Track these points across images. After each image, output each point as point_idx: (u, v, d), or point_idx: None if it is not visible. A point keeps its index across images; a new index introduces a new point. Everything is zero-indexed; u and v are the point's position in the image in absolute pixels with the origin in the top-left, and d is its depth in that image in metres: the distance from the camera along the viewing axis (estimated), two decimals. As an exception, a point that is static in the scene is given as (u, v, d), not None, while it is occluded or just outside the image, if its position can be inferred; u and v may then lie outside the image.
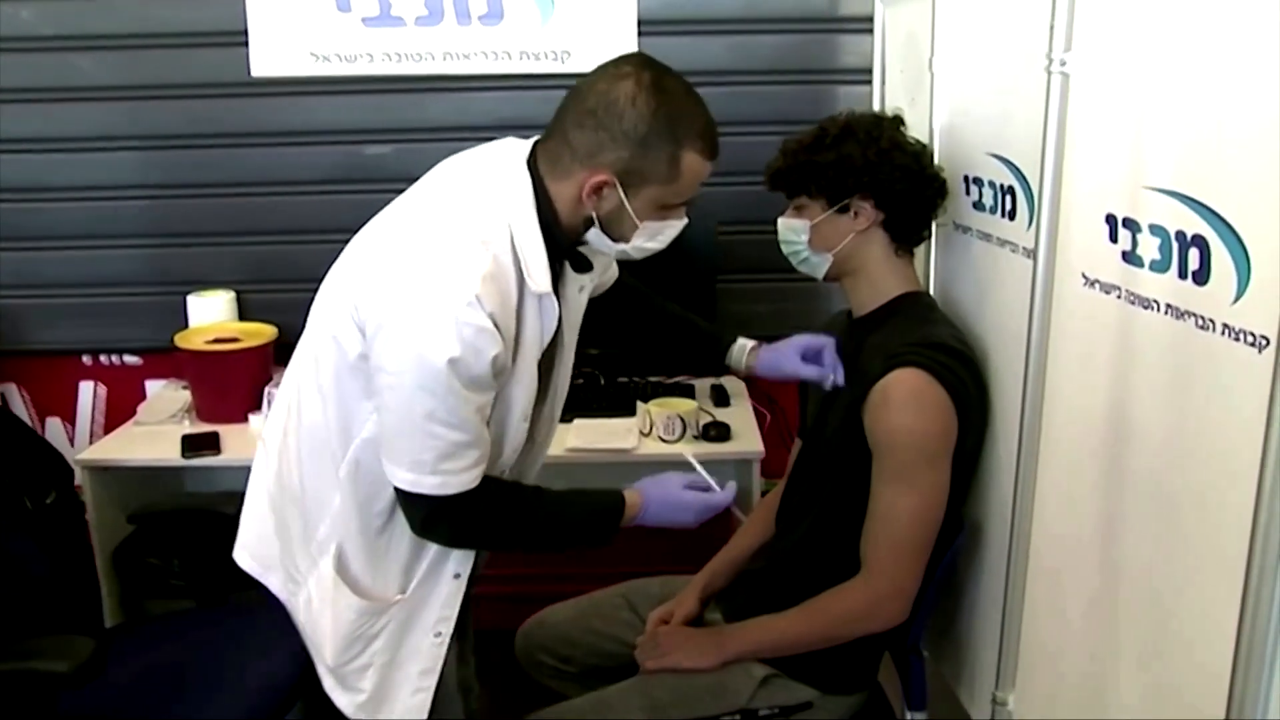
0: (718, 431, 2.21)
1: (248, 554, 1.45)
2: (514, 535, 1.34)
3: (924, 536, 1.50)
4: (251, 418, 2.19)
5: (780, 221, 1.62)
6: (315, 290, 1.37)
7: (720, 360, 1.62)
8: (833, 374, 1.56)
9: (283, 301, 2.42)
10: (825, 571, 1.57)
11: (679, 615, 1.70)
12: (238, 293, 2.44)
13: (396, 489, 1.27)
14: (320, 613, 1.37)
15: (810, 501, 1.65)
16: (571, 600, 1.80)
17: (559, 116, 1.28)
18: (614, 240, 1.30)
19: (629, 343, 1.65)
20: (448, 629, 1.39)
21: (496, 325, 1.19)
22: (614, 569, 1.98)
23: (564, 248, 1.32)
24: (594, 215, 1.28)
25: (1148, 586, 1.14)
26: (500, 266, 1.21)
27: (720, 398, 2.44)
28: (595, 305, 1.47)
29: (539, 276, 1.25)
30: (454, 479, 1.25)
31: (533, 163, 1.28)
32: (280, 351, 2.28)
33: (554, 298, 1.28)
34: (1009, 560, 1.31)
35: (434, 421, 1.20)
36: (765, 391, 2.51)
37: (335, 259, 1.35)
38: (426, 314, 1.16)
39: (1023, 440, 1.27)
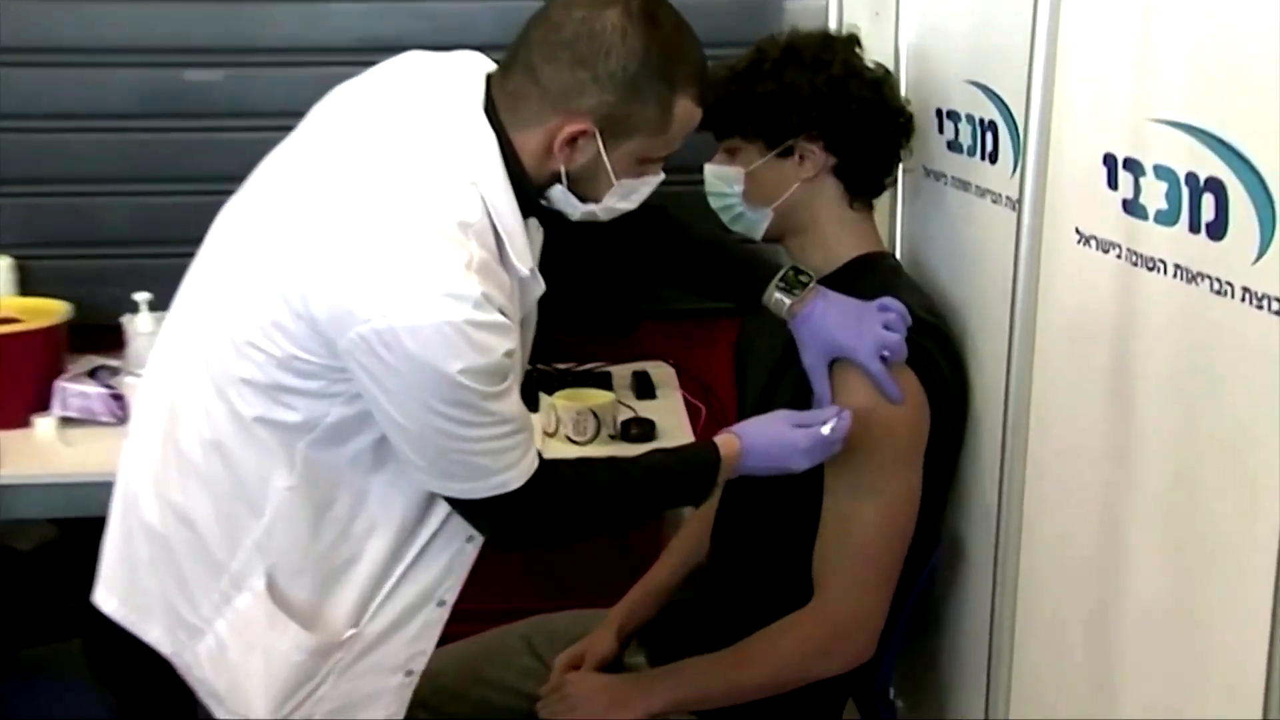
0: (640, 430, 2.22)
1: (116, 598, 1.42)
2: (597, 515, 1.41)
3: (892, 554, 1.53)
4: (38, 420, 2.09)
5: (708, 169, 1.64)
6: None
7: (754, 299, 1.58)
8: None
9: (79, 270, 2.32)
10: (772, 600, 1.58)
11: (592, 659, 1.71)
12: (17, 259, 2.34)
13: (452, 500, 1.33)
14: (244, 659, 1.36)
15: (752, 514, 1.66)
16: (456, 644, 1.78)
17: (522, 48, 1.29)
18: (581, 200, 1.34)
19: (624, 276, 1.66)
20: (421, 665, 1.43)
21: (507, 316, 1.23)
22: (508, 603, 1.98)
23: (532, 211, 1.34)
24: (562, 170, 1.31)
25: (1162, 609, 1.16)
26: (486, 248, 1.24)
27: (643, 387, 2.45)
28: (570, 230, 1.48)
29: (522, 254, 1.28)
30: (515, 471, 1.30)
31: (489, 106, 1.30)
32: (78, 335, 2.20)
33: (539, 277, 1.32)
34: (995, 580, 1.33)
35: (472, 428, 1.24)
36: (699, 378, 2.53)
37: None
38: (429, 324, 1.17)
39: (1008, 432, 1.29)
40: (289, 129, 1.37)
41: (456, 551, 1.41)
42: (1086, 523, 1.30)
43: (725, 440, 1.45)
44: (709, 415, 2.53)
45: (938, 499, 1.63)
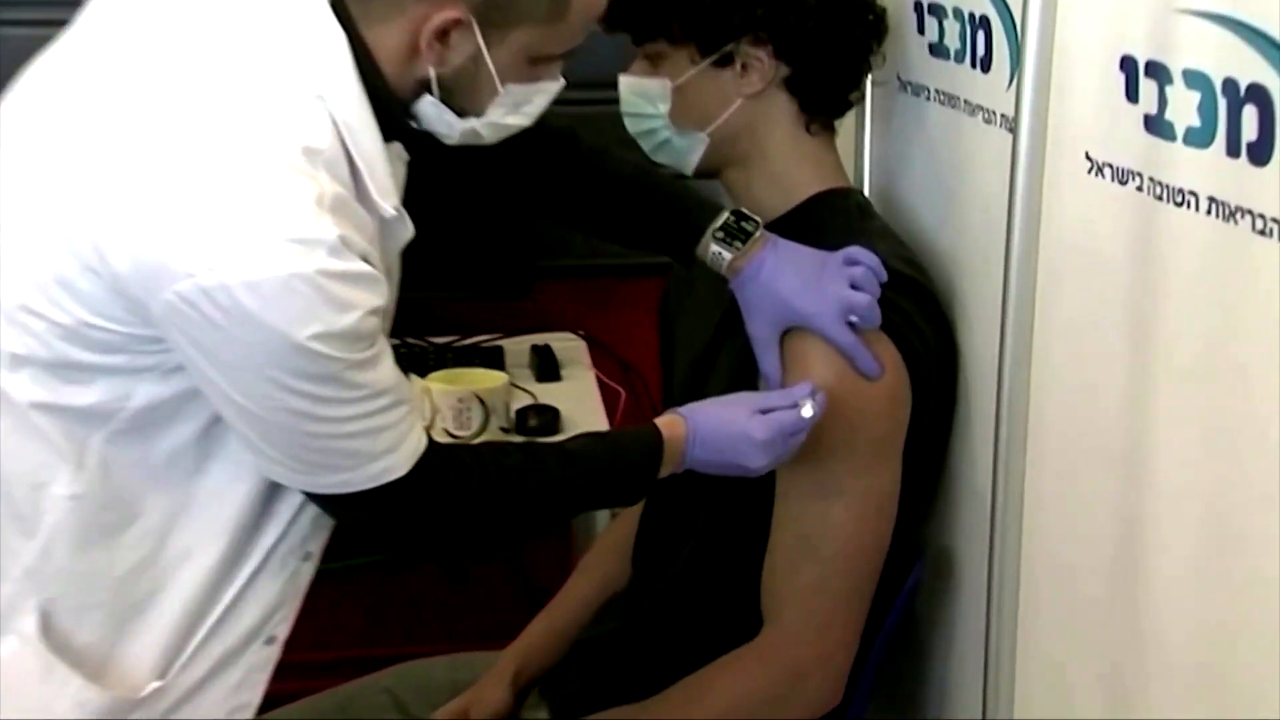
0: (540, 420, 2.23)
1: None
2: (506, 511, 1.44)
3: (862, 571, 1.55)
4: None
5: (623, 82, 1.63)
6: None
7: (685, 252, 1.59)
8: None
9: None
10: (711, 633, 1.60)
11: (479, 713, 1.71)
12: None
13: (317, 497, 1.33)
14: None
15: (685, 523, 1.68)
16: (301, 702, 1.80)
17: None
18: (459, 114, 1.34)
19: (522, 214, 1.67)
20: (252, 713, 1.42)
21: (371, 264, 1.23)
22: (370, 648, 1.98)
23: (396, 133, 1.35)
24: (432, 76, 1.31)
25: (1195, 638, 1.18)
26: (339, 180, 1.24)
27: (545, 366, 2.46)
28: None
29: (384, 187, 1.28)
30: (398, 454, 1.31)
31: None
32: None
33: (406, 218, 1.32)
34: (990, 602, 1.34)
35: (337, 406, 1.25)
36: (616, 354, 2.54)
37: None
38: (272, 278, 1.17)
39: (1003, 414, 1.30)
40: (61, 23, 1.33)
41: (293, 573, 1.41)
42: (1099, 525, 1.32)
43: (669, 423, 1.47)
44: (630, 401, 2.57)
45: (920, 500, 1.66)
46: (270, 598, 1.41)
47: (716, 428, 1.47)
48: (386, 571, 2.60)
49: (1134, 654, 1.27)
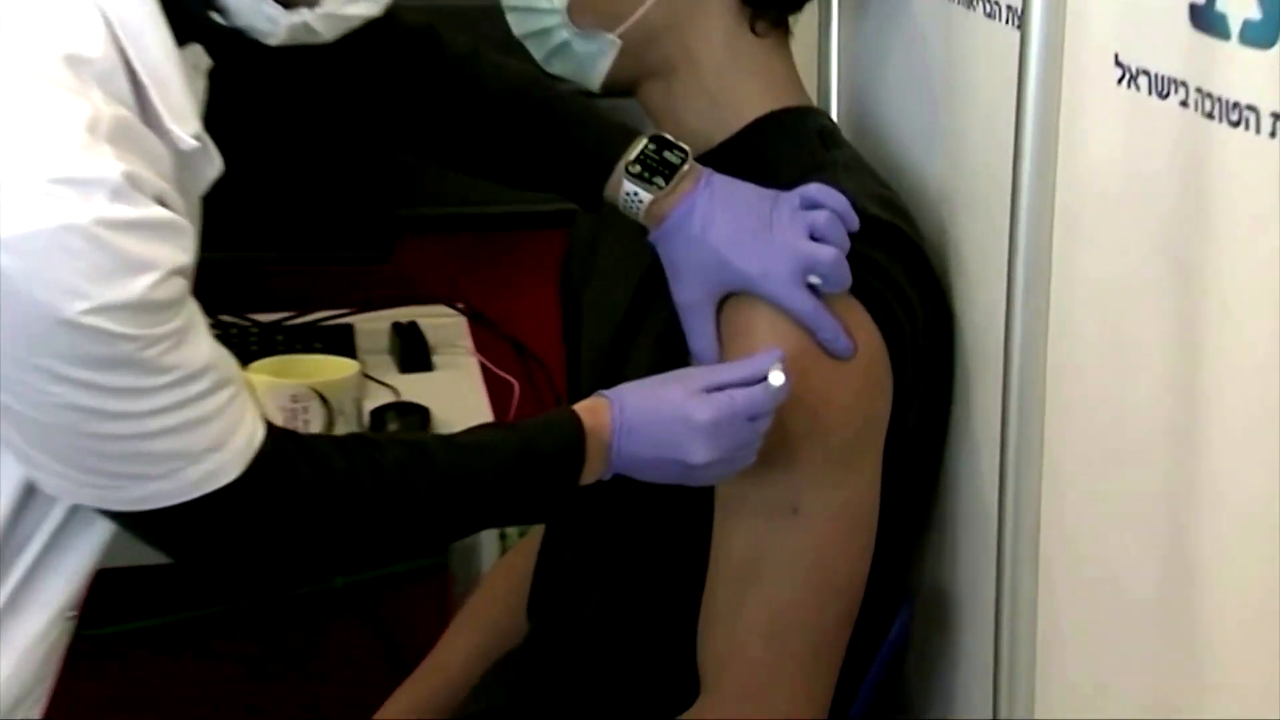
0: (405, 423, 2.23)
1: None
2: (377, 526, 1.44)
3: (828, 620, 1.56)
4: None
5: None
6: None
7: (590, 192, 1.60)
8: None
9: None
10: (629, 705, 1.61)
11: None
12: None
13: (118, 515, 1.33)
14: None
15: (594, 563, 1.68)
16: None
17: None
18: (283, 2, 1.34)
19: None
20: None
21: (170, 207, 1.24)
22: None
23: (195, 34, 1.36)
24: None
25: (1265, 662, 1.17)
26: (119, 98, 1.25)
27: (411, 350, 2.47)
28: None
29: (179, 108, 1.30)
30: (226, 452, 1.31)
31: None
32: None
33: (212, 149, 1.34)
34: (998, 654, 1.34)
35: (136, 398, 1.25)
36: (506, 332, 2.56)
37: None
38: (34, 232, 1.17)
39: (1013, 400, 1.30)
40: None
41: (55, 641, 1.41)
42: (1143, 538, 1.31)
43: (591, 408, 1.48)
44: (526, 394, 2.57)
45: (905, 522, 1.66)
46: (26, 675, 1.40)
47: (651, 411, 1.48)
48: (189, 634, 2.59)
49: (1185, 681, 1.28)
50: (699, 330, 1.55)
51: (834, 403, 1.53)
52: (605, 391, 1.49)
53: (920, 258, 1.62)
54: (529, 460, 1.47)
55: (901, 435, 1.58)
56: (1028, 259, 1.28)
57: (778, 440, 1.50)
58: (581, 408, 1.48)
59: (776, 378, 1.45)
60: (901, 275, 1.57)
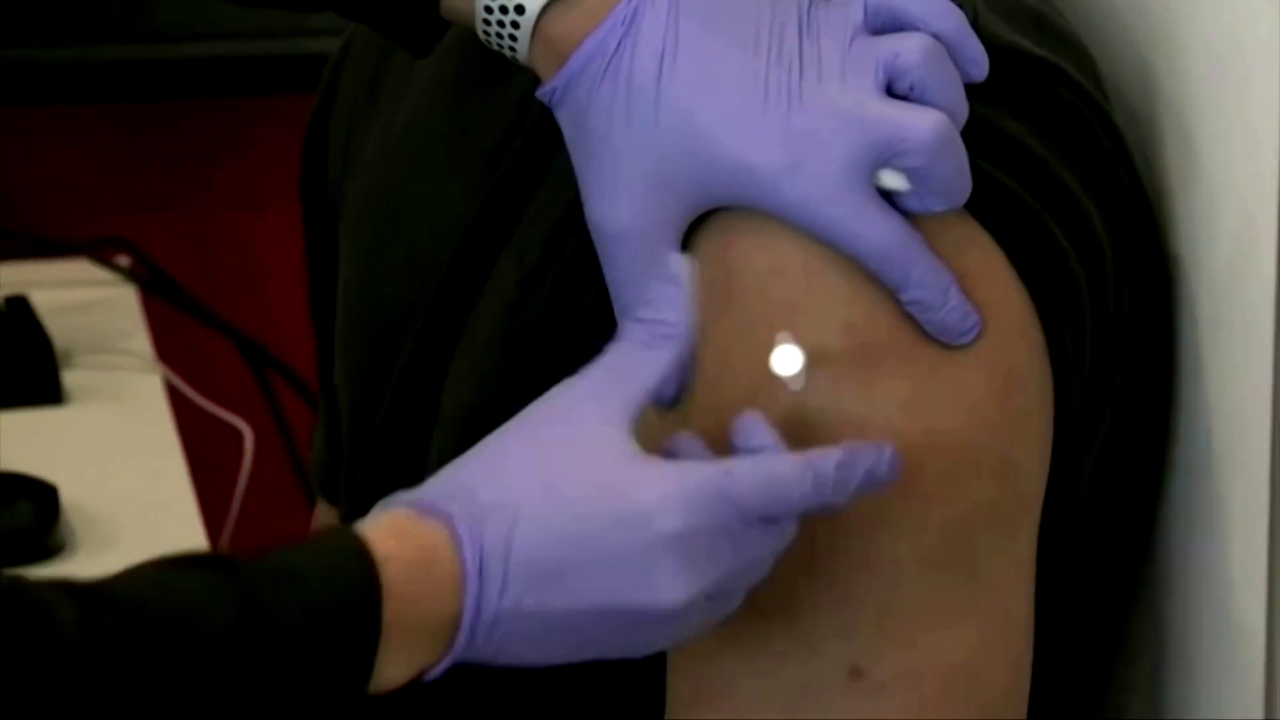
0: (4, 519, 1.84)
1: None
2: None
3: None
4: None
5: None
6: None
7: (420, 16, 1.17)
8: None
9: None
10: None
11: None
12: None
13: None
14: None
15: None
16: None
17: None
18: None
19: None
20: None
21: None
22: None
23: None
24: None
25: None
26: None
27: (21, 359, 2.05)
28: None
29: None
30: None
31: None
32: None
33: None
34: None
35: None
36: (227, 319, 2.13)
37: None
38: None
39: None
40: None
41: None
42: None
43: (409, 515, 0.99)
44: (263, 443, 2.14)
45: (1088, 647, 1.32)
46: None
47: (566, 512, 1.02)
48: None
49: None
50: (644, 289, 1.09)
51: (937, 447, 1.08)
52: (448, 467, 1.01)
53: (1115, 142, 1.17)
54: (252, 640, 1.01)
55: (1070, 499, 1.18)
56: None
57: (809, 547, 1.11)
58: (385, 522, 1.00)
59: (887, 458, 1.02)
60: (1076, 182, 1.13)
